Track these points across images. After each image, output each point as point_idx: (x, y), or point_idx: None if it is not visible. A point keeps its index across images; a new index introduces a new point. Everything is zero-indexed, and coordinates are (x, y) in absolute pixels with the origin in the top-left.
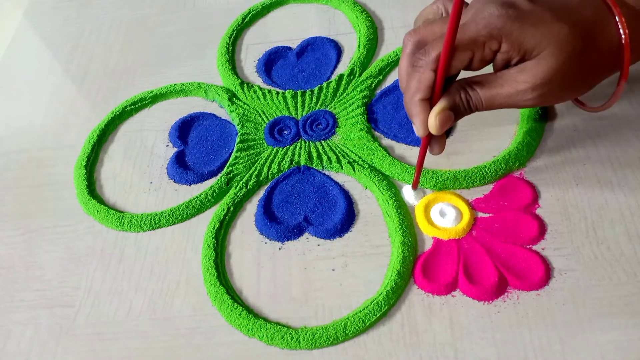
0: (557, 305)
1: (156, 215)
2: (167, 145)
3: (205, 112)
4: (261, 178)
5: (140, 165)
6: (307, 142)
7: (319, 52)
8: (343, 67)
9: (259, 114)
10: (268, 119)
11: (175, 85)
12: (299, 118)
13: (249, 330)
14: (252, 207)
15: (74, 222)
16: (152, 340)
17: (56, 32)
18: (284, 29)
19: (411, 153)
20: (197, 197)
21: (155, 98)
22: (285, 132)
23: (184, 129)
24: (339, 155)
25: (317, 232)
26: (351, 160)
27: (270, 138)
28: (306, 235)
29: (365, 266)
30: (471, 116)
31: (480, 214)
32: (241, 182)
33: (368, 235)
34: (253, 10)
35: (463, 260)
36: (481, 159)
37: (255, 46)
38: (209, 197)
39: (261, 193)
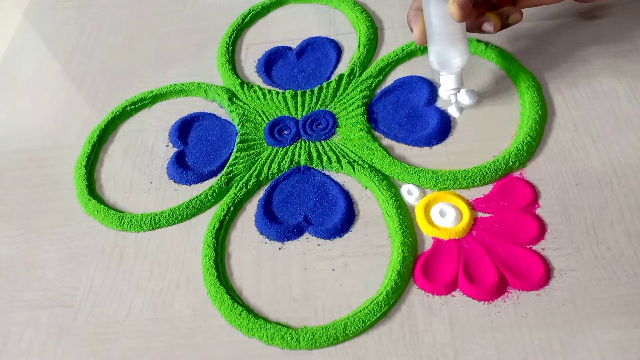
0: (557, 305)
1: (156, 215)
2: (167, 145)
3: (205, 112)
4: (261, 178)
5: (140, 165)
6: (307, 142)
7: (319, 52)
8: (343, 67)
9: (259, 114)
10: (268, 119)
11: (175, 85)
12: (299, 118)
13: (249, 330)
14: (252, 207)
15: (74, 222)
16: (152, 340)
17: (56, 32)
18: (284, 29)
19: (411, 153)
20: (197, 197)
21: (155, 98)
22: (285, 132)
23: (184, 129)
24: (339, 155)
25: (317, 232)
26: (351, 160)
27: (270, 138)
28: (306, 235)
29: (365, 266)
30: (471, 116)
31: (480, 214)
32: (241, 182)
33: (368, 235)
34: (253, 10)
35: (463, 260)
36: (481, 159)
37: (255, 46)
38: (209, 197)
39: (261, 193)
